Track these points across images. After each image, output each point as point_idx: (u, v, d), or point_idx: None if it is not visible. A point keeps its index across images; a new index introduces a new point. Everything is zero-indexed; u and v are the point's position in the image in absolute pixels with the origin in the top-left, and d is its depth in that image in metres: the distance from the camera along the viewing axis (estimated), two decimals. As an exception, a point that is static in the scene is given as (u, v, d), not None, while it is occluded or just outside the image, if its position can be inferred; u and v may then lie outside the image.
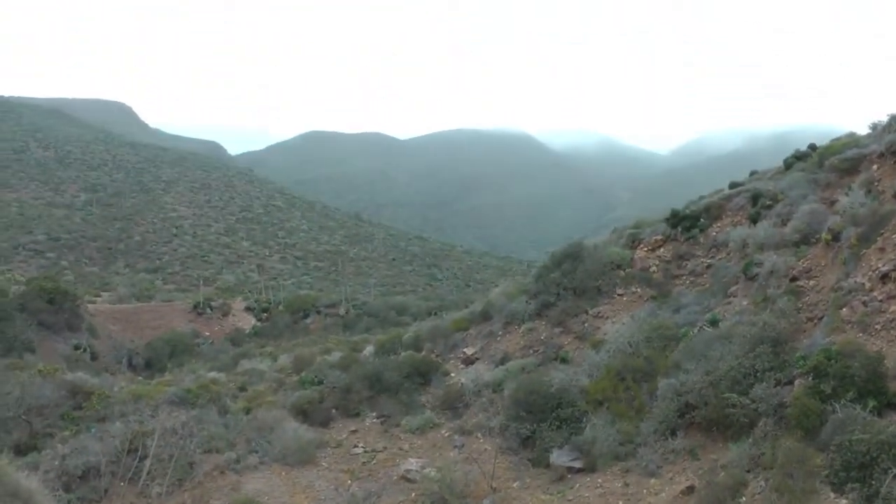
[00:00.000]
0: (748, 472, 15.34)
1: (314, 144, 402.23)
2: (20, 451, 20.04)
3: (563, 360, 24.10)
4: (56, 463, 19.62)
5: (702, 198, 30.46)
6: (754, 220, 25.89)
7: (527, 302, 27.97)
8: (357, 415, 24.01)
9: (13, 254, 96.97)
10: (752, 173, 32.60)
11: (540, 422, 20.19)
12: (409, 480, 19.62)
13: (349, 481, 19.90)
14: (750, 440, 16.04)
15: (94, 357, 49.94)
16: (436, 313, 41.73)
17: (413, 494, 18.87)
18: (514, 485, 18.77)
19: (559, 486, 18.12)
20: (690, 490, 15.75)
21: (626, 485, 17.14)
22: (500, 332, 27.80)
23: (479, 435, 21.74)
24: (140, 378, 39.26)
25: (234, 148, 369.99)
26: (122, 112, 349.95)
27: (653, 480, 16.97)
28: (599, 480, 17.70)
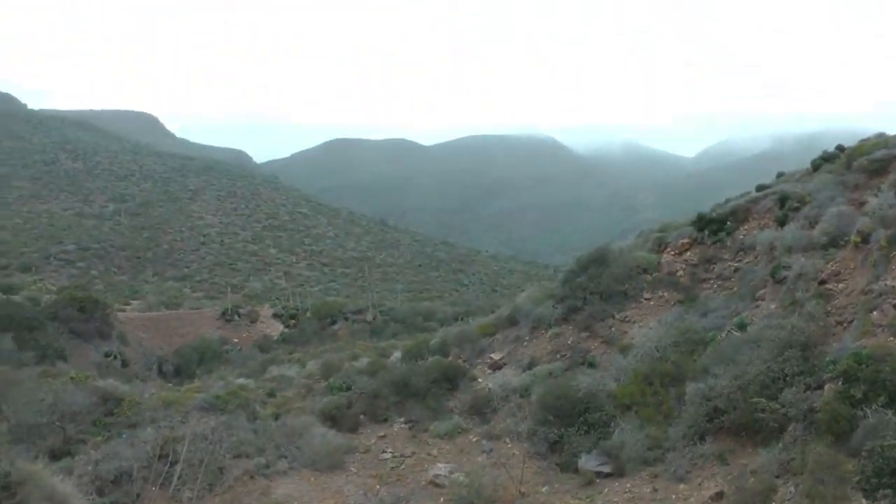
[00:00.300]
0: (778, 477, 15.20)
1: (338, 151, 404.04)
2: (55, 455, 20.28)
3: (591, 365, 24.07)
4: (89, 468, 19.86)
5: (728, 200, 30.34)
6: (782, 222, 25.72)
7: (553, 307, 27.95)
8: (385, 420, 24.09)
9: (44, 263, 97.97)
10: (779, 175, 32.39)
11: (568, 426, 20.15)
12: (437, 485, 19.66)
13: (378, 486, 19.97)
14: (779, 445, 15.91)
15: (124, 364, 50.40)
16: (462, 318, 41.64)
17: (442, 499, 18.90)
18: (543, 489, 18.76)
19: (588, 491, 18.09)
20: (720, 496, 15.65)
21: (655, 490, 17.07)
22: (526, 337, 27.79)
23: (508, 440, 21.75)
24: (170, 385, 39.54)
25: (258, 156, 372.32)
26: (149, 122, 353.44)
27: (682, 486, 16.89)
28: (628, 485, 17.65)
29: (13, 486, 10.88)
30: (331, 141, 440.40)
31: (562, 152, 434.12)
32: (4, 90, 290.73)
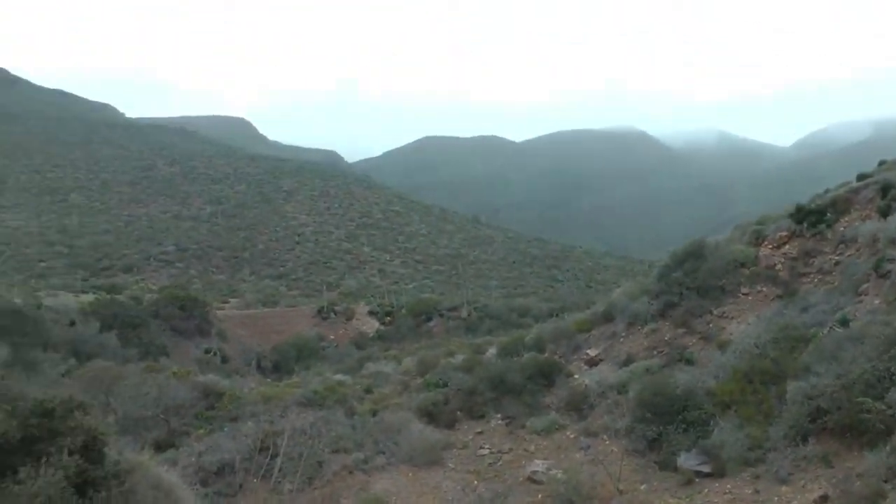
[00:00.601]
0: (886, 482, 14.53)
1: (429, 150, 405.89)
2: (159, 447, 20.94)
3: (688, 362, 23.70)
4: (193, 459, 20.48)
5: (827, 191, 29.42)
6: (885, 213, 24.79)
7: (649, 302, 27.59)
8: (482, 416, 24.13)
9: (145, 264, 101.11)
10: (881, 163, 31.15)
11: (666, 424, 19.86)
12: (535, 482, 19.63)
13: (476, 482, 20.05)
14: (887, 448, 15.25)
15: (224, 360, 51.71)
16: (557, 315, 41.42)
17: (540, 496, 18.87)
18: (641, 487, 18.57)
19: (687, 491, 17.83)
20: (824, 499, 15.15)
21: (757, 492, 16.67)
22: (622, 333, 27.51)
23: (605, 437, 21.56)
24: (268, 380, 40.45)
25: (350, 155, 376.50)
26: (243, 127, 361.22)
27: (784, 488, 16.44)
28: (728, 486, 17.31)
29: (122, 475, 11.28)
30: (421, 139, 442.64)
31: (653, 145, 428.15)
32: (104, 101, 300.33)
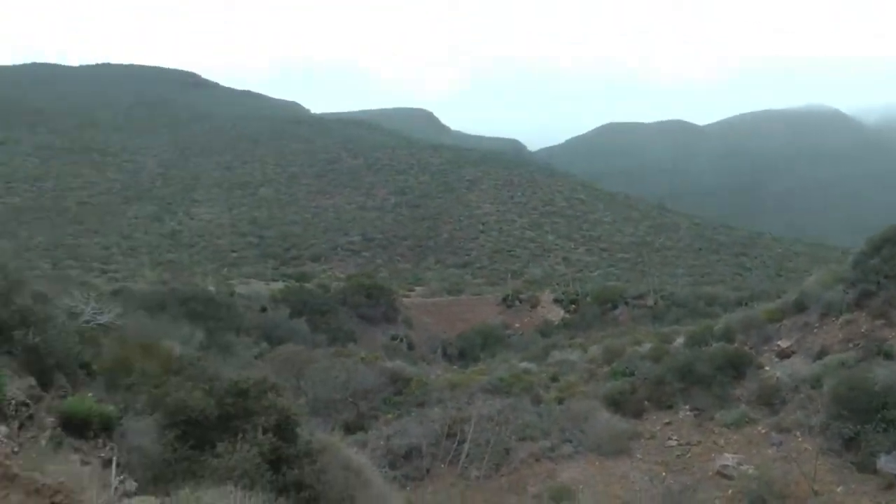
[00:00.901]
0: None
1: (612, 136, 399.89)
2: (349, 429, 21.44)
3: (887, 356, 21.97)
4: (381, 442, 20.88)
5: None
6: None
7: (844, 291, 25.86)
8: (670, 407, 23.43)
9: (332, 253, 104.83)
10: None
11: (864, 423, 18.49)
12: (725, 476, 18.85)
13: (664, 474, 19.48)
14: None
15: (410, 347, 52.75)
16: (746, 304, 39.87)
17: (730, 491, 18.10)
18: (838, 489, 17.42)
19: (888, 496, 16.59)
20: None
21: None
22: (816, 324, 25.95)
23: (798, 433, 20.41)
24: (454, 367, 40.89)
25: (532, 144, 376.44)
26: (425, 118, 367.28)
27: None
28: (937, 493, 16.00)
29: (314, 454, 11.57)
30: (604, 125, 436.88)
31: (847, 125, 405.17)
32: (291, 99, 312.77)
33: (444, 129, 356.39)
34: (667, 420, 22.71)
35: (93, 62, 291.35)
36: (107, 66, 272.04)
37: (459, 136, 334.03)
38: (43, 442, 9.17)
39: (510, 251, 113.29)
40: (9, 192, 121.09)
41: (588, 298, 68.70)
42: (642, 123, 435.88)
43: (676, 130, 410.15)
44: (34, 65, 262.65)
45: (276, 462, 10.73)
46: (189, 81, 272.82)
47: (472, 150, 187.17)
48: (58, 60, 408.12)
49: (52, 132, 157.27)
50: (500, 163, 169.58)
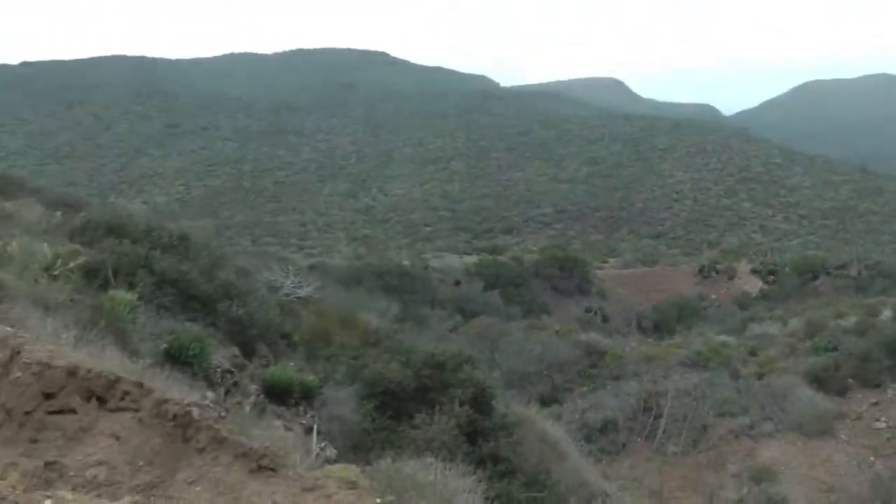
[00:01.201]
0: None
1: (810, 96, 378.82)
2: (544, 402, 21.53)
3: None
4: (577, 416, 20.84)
5: None
6: None
7: None
8: (877, 385, 22.16)
9: (524, 226, 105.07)
10: None
11: None
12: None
13: (872, 458, 18.43)
14: None
15: (604, 319, 52.29)
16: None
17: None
18: None
19: None
20: None
21: None
22: None
23: None
24: (649, 340, 40.26)
25: (727, 108, 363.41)
26: (616, 87, 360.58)
27: None
28: None
29: (510, 426, 11.66)
30: (801, 84, 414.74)
31: None
32: (480, 73, 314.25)
33: (634, 97, 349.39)
34: (874, 400, 21.48)
35: (286, 49, 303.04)
36: (300, 52, 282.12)
37: (651, 103, 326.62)
38: (247, 408, 9.69)
39: (705, 220, 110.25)
40: (210, 174, 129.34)
41: (787, 269, 66.15)
42: (843, 80, 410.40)
43: (882, 85, 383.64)
44: (231, 55, 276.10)
45: (472, 434, 10.88)
46: (380, 60, 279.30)
47: (664, 118, 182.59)
48: (253, 49, 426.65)
49: (250, 117, 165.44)
50: (693, 129, 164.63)
